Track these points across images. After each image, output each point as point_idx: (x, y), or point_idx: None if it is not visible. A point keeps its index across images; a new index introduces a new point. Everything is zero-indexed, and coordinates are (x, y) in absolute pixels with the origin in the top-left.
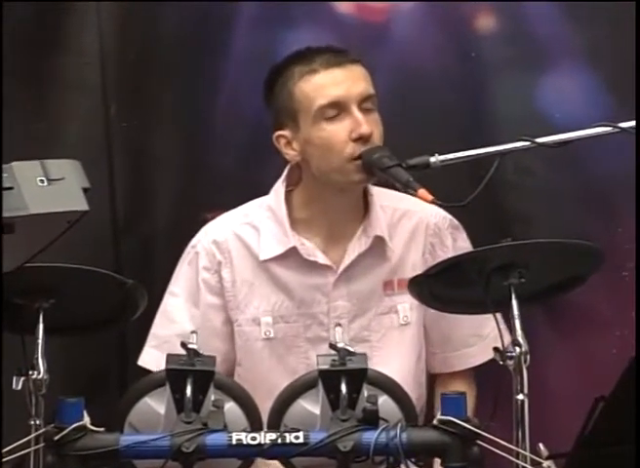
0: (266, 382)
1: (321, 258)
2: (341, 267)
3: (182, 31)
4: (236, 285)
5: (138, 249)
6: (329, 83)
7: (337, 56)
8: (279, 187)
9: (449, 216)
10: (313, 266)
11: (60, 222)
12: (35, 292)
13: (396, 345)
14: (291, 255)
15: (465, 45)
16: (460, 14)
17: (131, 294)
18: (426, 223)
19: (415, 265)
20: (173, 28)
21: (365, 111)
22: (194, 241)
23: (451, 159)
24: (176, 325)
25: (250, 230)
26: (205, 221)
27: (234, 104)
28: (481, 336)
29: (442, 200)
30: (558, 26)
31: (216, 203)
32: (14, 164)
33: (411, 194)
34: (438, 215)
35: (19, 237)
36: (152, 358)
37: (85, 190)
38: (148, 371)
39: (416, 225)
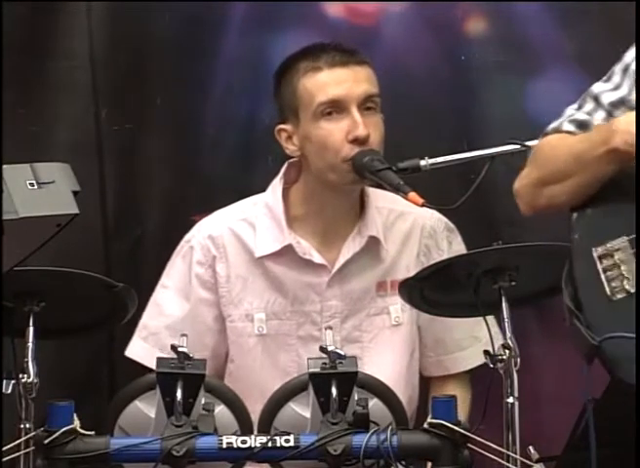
0: (257, 379)
1: (316, 257)
2: (336, 267)
3: (172, 34)
4: (230, 280)
5: (128, 252)
6: (331, 82)
7: (343, 55)
8: (276, 184)
9: (444, 219)
10: (308, 265)
11: (50, 226)
12: (25, 296)
13: (388, 346)
14: (286, 253)
15: (455, 48)
16: (450, 17)
17: (121, 298)
18: (422, 225)
19: (408, 267)
20: (163, 31)
21: (366, 113)
22: (189, 236)
23: (441, 162)
24: (165, 318)
25: (246, 226)
26: (195, 224)
27: (225, 107)
28: (476, 339)
29: (432, 203)
30: (548, 30)
31: (206, 206)
32: (3, 167)
33: (402, 197)
34: (433, 218)
35: (8, 240)
36: (141, 350)
37: (75, 193)
38: (135, 362)
39: (411, 227)
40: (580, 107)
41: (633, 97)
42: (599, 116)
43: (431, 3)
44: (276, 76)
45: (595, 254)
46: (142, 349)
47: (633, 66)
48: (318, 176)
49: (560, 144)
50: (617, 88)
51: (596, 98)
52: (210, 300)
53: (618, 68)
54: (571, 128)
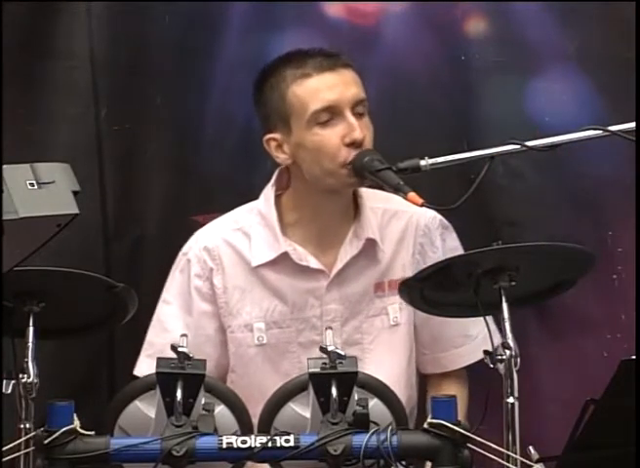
0: (259, 388)
1: (313, 263)
2: (334, 271)
3: (172, 34)
4: (228, 291)
5: (128, 252)
6: (322, 87)
7: (329, 59)
8: (268, 191)
9: (438, 216)
10: (305, 271)
11: (51, 226)
12: (25, 296)
13: (387, 346)
14: (282, 261)
15: (455, 48)
16: (449, 17)
17: (121, 298)
18: (416, 224)
19: (405, 266)
20: (163, 31)
21: (357, 115)
22: (185, 248)
23: (441, 162)
24: (170, 333)
25: (241, 236)
26: (195, 224)
27: (224, 107)
28: (469, 337)
29: (432, 203)
30: (548, 30)
31: (206, 206)
32: (3, 167)
33: (401, 197)
34: (427, 216)
35: (8, 240)
36: (148, 368)
37: (75, 193)
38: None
39: (405, 226)
40: None
41: None
42: None
43: (431, 3)
44: (258, 85)
45: None
46: (150, 366)
47: None
48: (314, 182)
49: None
50: None
51: None
52: (210, 312)
53: None
54: None
